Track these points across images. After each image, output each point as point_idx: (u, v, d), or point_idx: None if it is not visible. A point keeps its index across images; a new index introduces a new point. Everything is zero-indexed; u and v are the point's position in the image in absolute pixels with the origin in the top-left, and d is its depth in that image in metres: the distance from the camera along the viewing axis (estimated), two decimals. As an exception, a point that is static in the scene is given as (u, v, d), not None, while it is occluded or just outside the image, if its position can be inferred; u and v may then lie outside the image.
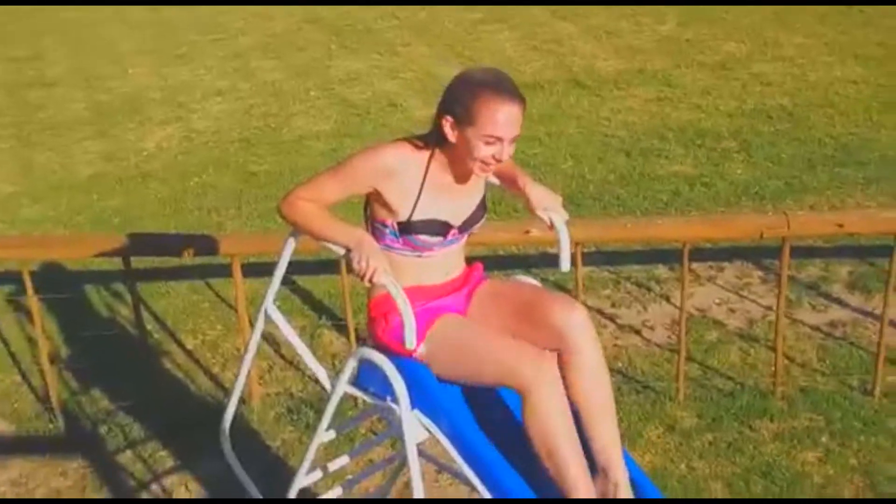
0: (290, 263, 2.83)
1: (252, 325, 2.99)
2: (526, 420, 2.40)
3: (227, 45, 11.24)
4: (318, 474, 2.71)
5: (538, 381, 2.36)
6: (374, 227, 2.60)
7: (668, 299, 5.60)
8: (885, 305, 4.54)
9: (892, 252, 4.45)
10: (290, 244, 2.62)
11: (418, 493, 2.34)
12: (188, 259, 4.56)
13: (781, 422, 4.53)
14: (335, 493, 2.83)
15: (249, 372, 2.87)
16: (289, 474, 4.22)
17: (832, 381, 4.80)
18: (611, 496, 2.46)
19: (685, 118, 8.20)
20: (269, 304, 2.71)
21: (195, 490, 4.24)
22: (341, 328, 5.26)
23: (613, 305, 5.55)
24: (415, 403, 2.34)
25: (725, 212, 6.45)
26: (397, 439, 3.17)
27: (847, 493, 4.10)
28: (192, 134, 8.68)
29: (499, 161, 2.50)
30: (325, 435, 2.56)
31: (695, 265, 5.79)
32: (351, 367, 2.41)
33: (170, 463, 4.43)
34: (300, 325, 5.38)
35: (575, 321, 2.50)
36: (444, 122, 2.47)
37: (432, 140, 2.54)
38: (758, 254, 5.89)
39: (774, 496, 4.09)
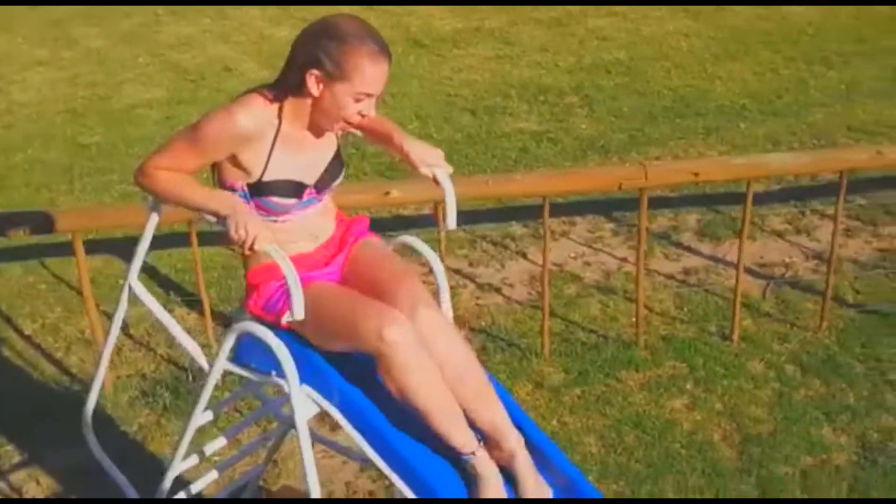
0: (135, 238, 2.61)
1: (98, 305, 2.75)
2: (384, 380, 2.26)
3: (44, 13, 10.58)
4: (193, 459, 2.52)
5: (385, 339, 2.22)
6: (224, 191, 2.40)
7: (524, 256, 5.57)
8: (741, 252, 4.62)
9: (745, 198, 4.52)
10: (154, 218, 2.40)
11: (311, 470, 2.19)
12: (21, 237, 4.22)
13: (646, 371, 4.57)
14: (210, 477, 2.65)
15: (111, 355, 2.64)
16: (150, 460, 4.04)
17: (692, 329, 4.86)
18: (507, 465, 2.35)
19: (526, 75, 8.19)
20: (134, 280, 2.49)
21: (47, 485, 3.95)
22: (192, 304, 5.02)
23: (472, 265, 5.49)
24: (302, 378, 2.19)
25: (573, 166, 6.47)
26: (272, 416, 3.02)
27: (716, 437, 4.16)
28: (13, 107, 8.12)
29: (363, 117, 2.36)
30: (201, 417, 2.38)
31: (548, 221, 5.79)
32: (230, 342, 2.23)
33: (16, 458, 4.12)
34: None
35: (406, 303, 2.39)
36: (308, 76, 2.29)
37: (283, 91, 2.35)
38: (608, 207, 5.93)
39: (646, 445, 4.11)
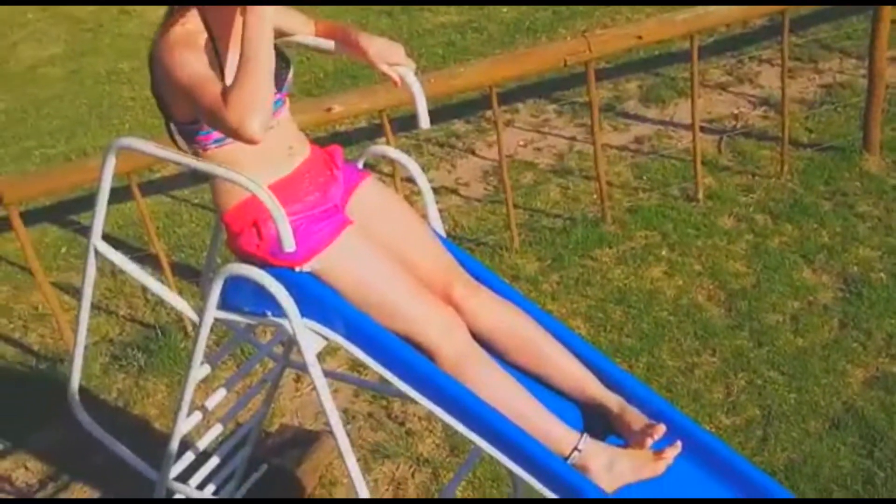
0: (68, 202, 2.41)
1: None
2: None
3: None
4: (196, 416, 2.40)
5: (449, 351, 2.13)
6: (185, 133, 2.20)
7: (473, 152, 5.45)
8: (694, 110, 4.53)
9: (691, 54, 4.42)
10: (110, 163, 2.21)
11: (329, 406, 2.09)
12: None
13: (619, 245, 4.50)
14: (216, 430, 2.53)
15: (87, 325, 2.48)
16: (138, 424, 3.91)
17: (655, 196, 4.80)
18: (623, 422, 2.24)
19: (435, -33, 7.94)
20: (98, 240, 2.32)
21: (37, 469, 3.80)
22: (142, 259, 4.82)
23: (423, 169, 5.32)
24: (302, 313, 2.06)
25: (503, 52, 6.30)
26: (268, 359, 2.90)
27: (700, 299, 4.13)
28: None
29: None
30: (199, 371, 2.25)
31: (488, 112, 5.65)
32: (217, 289, 2.09)
33: (-2, 447, 3.96)
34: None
35: (459, 295, 2.28)
36: None
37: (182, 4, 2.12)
38: (546, 88, 5.81)
39: (633, 318, 4.07)
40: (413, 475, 3.57)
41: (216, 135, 2.14)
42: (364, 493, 2.19)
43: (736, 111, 5.41)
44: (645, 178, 4.97)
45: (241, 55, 2.01)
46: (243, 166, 2.13)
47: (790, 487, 3.17)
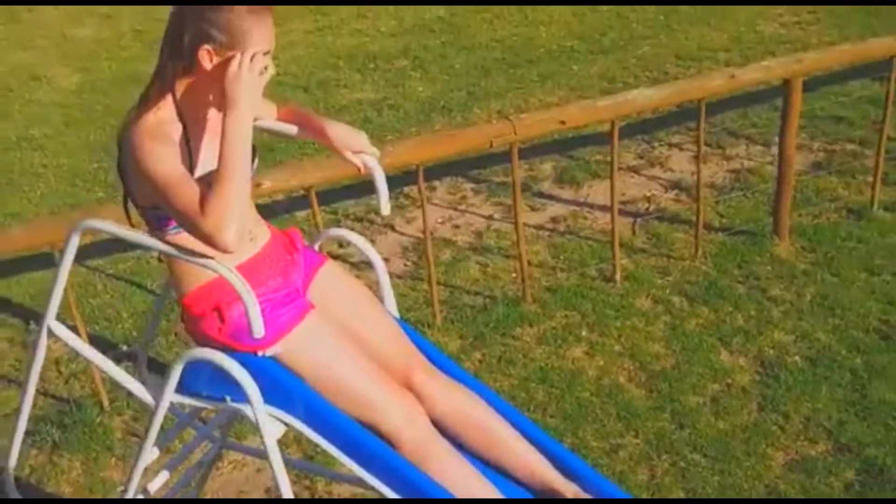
0: None
1: None
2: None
3: None
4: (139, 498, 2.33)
5: (411, 438, 2.14)
6: (147, 215, 2.16)
7: (392, 228, 5.47)
8: (613, 193, 4.64)
9: (611, 138, 4.54)
10: (74, 242, 2.16)
11: (287, 491, 2.05)
12: None
13: (540, 325, 4.55)
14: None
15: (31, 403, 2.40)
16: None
17: (573, 276, 4.88)
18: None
19: (351, 44, 8.03)
20: (52, 320, 2.25)
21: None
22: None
23: (341, 246, 5.33)
24: (264, 399, 2.03)
25: (420, 130, 6.39)
26: (206, 440, 2.84)
27: (622, 379, 4.19)
28: None
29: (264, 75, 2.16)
30: (151, 453, 2.19)
31: (405, 188, 5.71)
32: (177, 373, 2.05)
33: None
34: (6, 336, 4.75)
35: (419, 381, 2.31)
36: (200, 53, 2.09)
37: (169, 81, 2.13)
38: (463, 166, 5.88)
39: (556, 398, 4.10)
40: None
41: (169, 221, 2.12)
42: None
43: (648, 194, 5.57)
44: (562, 257, 5.06)
45: (221, 156, 2.00)
46: (205, 251, 2.11)
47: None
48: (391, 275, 5.04)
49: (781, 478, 3.63)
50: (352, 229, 5.45)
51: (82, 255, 5.28)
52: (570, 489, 2.27)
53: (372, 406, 2.14)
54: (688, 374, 4.19)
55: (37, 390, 4.30)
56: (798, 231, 4.99)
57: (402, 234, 5.39)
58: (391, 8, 8.66)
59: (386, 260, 5.16)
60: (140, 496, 2.33)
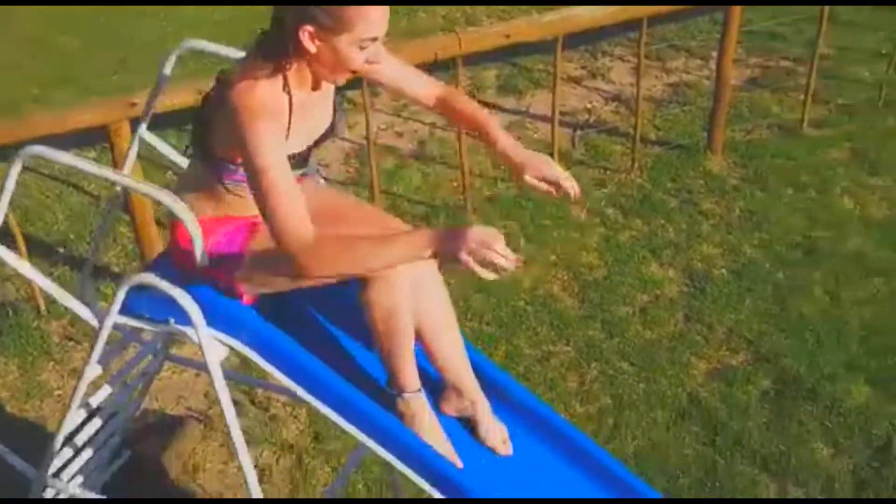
0: None
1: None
2: (367, 296, 2.18)
3: None
4: (81, 413, 2.42)
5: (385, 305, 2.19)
6: (214, 162, 2.15)
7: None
8: (555, 106, 4.72)
9: (555, 53, 4.60)
10: (16, 169, 2.17)
11: (230, 412, 2.14)
12: None
13: (478, 234, 4.64)
14: (96, 424, 2.55)
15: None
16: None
17: (512, 187, 4.97)
18: (469, 414, 2.36)
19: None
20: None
21: None
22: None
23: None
24: (208, 322, 2.11)
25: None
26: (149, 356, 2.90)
27: (556, 289, 4.33)
28: None
29: (373, 63, 2.13)
30: (93, 370, 2.26)
31: (349, 93, 5.71)
32: (122, 295, 2.10)
33: None
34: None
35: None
36: (301, 33, 2.04)
37: (277, 58, 2.05)
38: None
39: (494, 307, 4.23)
40: (277, 461, 3.64)
41: (241, 178, 2.11)
42: (256, 492, 2.27)
43: (589, 105, 5.64)
44: (503, 167, 5.13)
45: (372, 247, 2.03)
46: (233, 209, 2.19)
47: (640, 474, 3.39)
48: (332, 182, 5.14)
49: (703, 385, 3.82)
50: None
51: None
52: (478, 397, 2.37)
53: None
54: (619, 284, 4.34)
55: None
56: (731, 146, 5.12)
57: (343, 139, 5.42)
58: None
59: (326, 166, 5.23)
60: (82, 410, 2.41)
